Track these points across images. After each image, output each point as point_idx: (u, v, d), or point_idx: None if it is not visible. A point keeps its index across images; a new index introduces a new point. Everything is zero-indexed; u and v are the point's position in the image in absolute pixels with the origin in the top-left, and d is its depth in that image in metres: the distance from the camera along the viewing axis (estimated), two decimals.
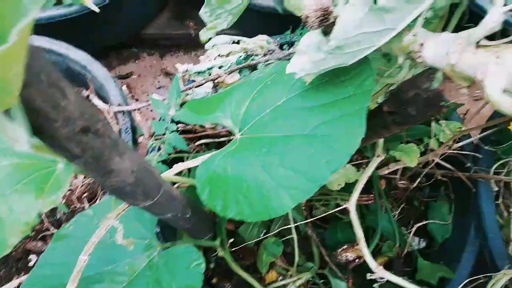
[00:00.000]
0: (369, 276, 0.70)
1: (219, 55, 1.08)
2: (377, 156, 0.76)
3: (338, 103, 0.59)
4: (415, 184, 1.04)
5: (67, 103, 0.32)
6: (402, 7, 0.48)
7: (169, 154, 0.92)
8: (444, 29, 0.73)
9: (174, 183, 0.79)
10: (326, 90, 0.61)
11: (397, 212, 1.11)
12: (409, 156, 0.96)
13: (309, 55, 0.53)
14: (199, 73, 1.05)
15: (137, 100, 1.58)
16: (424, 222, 1.08)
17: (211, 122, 0.69)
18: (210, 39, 0.79)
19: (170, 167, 0.86)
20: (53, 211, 1.09)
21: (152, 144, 0.89)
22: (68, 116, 0.32)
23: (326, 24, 0.58)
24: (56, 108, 0.31)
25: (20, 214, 0.48)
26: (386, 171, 1.08)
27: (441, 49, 0.50)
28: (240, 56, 1.04)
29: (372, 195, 1.06)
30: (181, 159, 1.06)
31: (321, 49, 0.52)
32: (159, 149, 0.90)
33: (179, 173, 1.06)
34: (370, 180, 1.09)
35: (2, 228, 0.45)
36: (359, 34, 0.49)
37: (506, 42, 0.45)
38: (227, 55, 1.07)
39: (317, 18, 0.59)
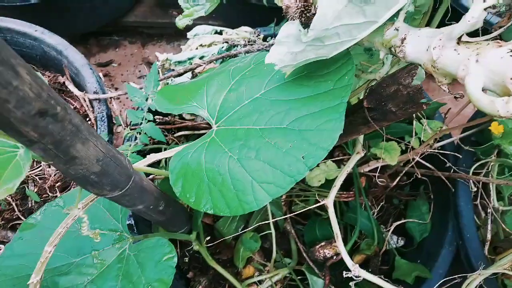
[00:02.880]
0: (345, 274, 0.69)
1: (200, 45, 1.05)
2: (357, 153, 0.75)
3: (318, 97, 0.57)
4: (395, 183, 1.04)
5: (20, 83, 0.30)
6: None
7: (146, 145, 0.90)
8: (427, 25, 0.72)
9: (148, 175, 0.77)
10: (305, 84, 0.59)
11: (377, 210, 1.10)
12: (390, 154, 0.95)
13: (288, 46, 0.51)
14: (179, 62, 1.03)
15: (116, 89, 1.54)
16: (403, 221, 1.08)
17: (186, 112, 0.67)
18: (187, 25, 0.77)
19: None
20: (24, 199, 1.06)
21: (127, 134, 0.86)
22: (22, 97, 0.30)
23: (307, 15, 0.57)
24: (7, 88, 0.29)
25: None
26: (367, 169, 1.07)
27: (422, 45, 0.48)
28: (222, 47, 1.02)
29: (352, 192, 1.05)
30: (159, 151, 1.03)
31: (300, 41, 0.50)
32: (135, 139, 0.87)
33: (155, 165, 1.04)
34: (350, 177, 1.08)
35: None
36: (338, 26, 0.48)
37: (487, 39, 0.44)
38: (209, 45, 1.05)
39: (298, 8, 0.58)
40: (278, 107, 0.59)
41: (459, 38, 0.45)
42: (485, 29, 0.58)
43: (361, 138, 0.76)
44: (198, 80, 0.74)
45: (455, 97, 0.49)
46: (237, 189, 0.55)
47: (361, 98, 0.70)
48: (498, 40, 0.43)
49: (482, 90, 0.42)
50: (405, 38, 0.51)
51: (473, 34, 0.48)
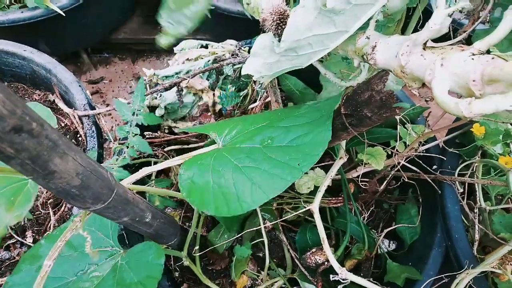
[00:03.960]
0: (332, 277, 0.69)
1: (187, 59, 1.07)
2: (340, 158, 0.76)
3: (312, 122, 0.65)
4: (382, 187, 1.05)
5: None
6: (352, 9, 0.49)
7: (134, 159, 0.91)
8: (402, 33, 0.74)
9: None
10: (303, 115, 0.66)
11: (367, 215, 1.11)
12: (376, 159, 0.97)
13: (263, 57, 0.53)
14: (166, 77, 1.04)
15: (108, 105, 1.56)
16: (394, 227, 1.09)
17: (199, 132, 0.72)
18: (173, 44, 0.79)
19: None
20: None
21: (115, 148, 0.87)
22: None
23: (283, 27, 0.59)
24: None
25: None
26: (355, 174, 1.08)
27: (391, 51, 0.50)
28: (208, 60, 1.04)
29: (341, 198, 1.06)
30: (149, 164, 1.04)
31: (274, 52, 0.52)
32: (124, 153, 0.88)
33: (146, 178, 1.05)
34: (340, 183, 1.09)
35: None
36: (310, 36, 0.50)
37: (452, 44, 0.46)
38: (196, 59, 1.06)
39: (274, 21, 0.60)
40: (280, 131, 0.65)
41: (425, 44, 0.46)
42: (456, 29, 0.60)
43: (343, 143, 0.78)
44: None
45: (425, 101, 0.50)
46: (238, 190, 0.59)
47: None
48: (461, 45, 0.45)
49: (449, 92, 0.44)
50: (375, 46, 0.52)
51: (445, 37, 0.50)
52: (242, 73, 0.53)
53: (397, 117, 0.99)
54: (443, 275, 0.81)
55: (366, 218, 1.12)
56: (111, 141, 1.15)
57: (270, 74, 0.54)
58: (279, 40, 0.56)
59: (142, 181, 0.97)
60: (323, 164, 1.08)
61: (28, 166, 0.38)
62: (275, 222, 0.95)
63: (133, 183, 0.66)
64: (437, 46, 0.46)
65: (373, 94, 0.54)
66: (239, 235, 1.02)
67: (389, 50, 0.50)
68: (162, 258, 0.68)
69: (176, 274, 1.02)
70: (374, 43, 0.53)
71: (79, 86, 1.05)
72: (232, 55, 0.90)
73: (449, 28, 0.49)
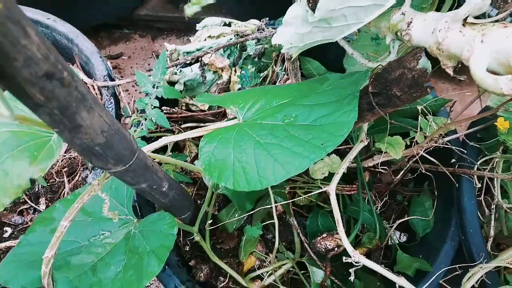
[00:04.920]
0: (345, 259, 0.69)
1: (209, 37, 1.06)
2: (361, 141, 0.75)
3: (338, 101, 0.63)
4: (399, 177, 1.04)
5: (28, 42, 0.30)
6: None
7: (151, 132, 0.91)
8: None
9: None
10: (328, 94, 0.65)
11: (380, 205, 1.10)
12: (394, 149, 0.95)
13: (295, 27, 0.52)
14: (188, 53, 1.03)
15: None
16: (407, 218, 1.07)
17: (220, 105, 0.72)
18: (198, 18, 0.78)
19: None
20: (31, 184, 1.07)
21: (134, 120, 0.87)
22: (29, 57, 0.31)
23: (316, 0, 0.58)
24: (16, 46, 0.29)
25: (14, 178, 0.48)
26: (371, 163, 1.07)
27: (428, 28, 0.49)
28: (231, 39, 1.03)
29: (355, 186, 1.05)
30: None
31: (307, 21, 0.51)
32: (141, 125, 0.88)
33: (160, 152, 1.05)
34: (354, 172, 1.08)
35: None
36: (345, 7, 0.48)
37: (491, 22, 0.45)
38: (218, 37, 1.05)
39: None
40: (303, 109, 0.64)
41: (465, 20, 0.45)
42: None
43: (365, 126, 0.76)
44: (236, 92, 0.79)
45: (459, 80, 0.49)
46: (259, 166, 0.58)
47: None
48: (504, 22, 0.43)
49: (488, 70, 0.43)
50: (411, 22, 0.51)
51: None
52: (272, 43, 0.52)
53: (419, 108, 0.97)
54: (457, 266, 0.80)
55: (378, 208, 1.11)
56: (128, 117, 1.15)
57: (301, 45, 0.53)
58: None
59: None
60: (338, 148, 1.07)
61: (56, 117, 0.38)
62: (286, 202, 0.94)
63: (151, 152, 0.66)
64: (478, 23, 0.44)
65: (405, 72, 0.53)
66: (249, 213, 1.02)
67: (425, 26, 0.49)
68: (175, 228, 0.68)
69: (187, 248, 1.02)
70: (410, 19, 0.51)
71: (100, 57, 1.05)
72: (258, 29, 0.89)
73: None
